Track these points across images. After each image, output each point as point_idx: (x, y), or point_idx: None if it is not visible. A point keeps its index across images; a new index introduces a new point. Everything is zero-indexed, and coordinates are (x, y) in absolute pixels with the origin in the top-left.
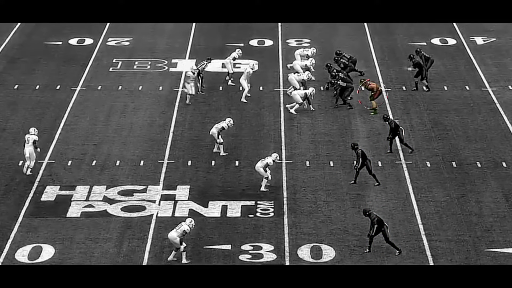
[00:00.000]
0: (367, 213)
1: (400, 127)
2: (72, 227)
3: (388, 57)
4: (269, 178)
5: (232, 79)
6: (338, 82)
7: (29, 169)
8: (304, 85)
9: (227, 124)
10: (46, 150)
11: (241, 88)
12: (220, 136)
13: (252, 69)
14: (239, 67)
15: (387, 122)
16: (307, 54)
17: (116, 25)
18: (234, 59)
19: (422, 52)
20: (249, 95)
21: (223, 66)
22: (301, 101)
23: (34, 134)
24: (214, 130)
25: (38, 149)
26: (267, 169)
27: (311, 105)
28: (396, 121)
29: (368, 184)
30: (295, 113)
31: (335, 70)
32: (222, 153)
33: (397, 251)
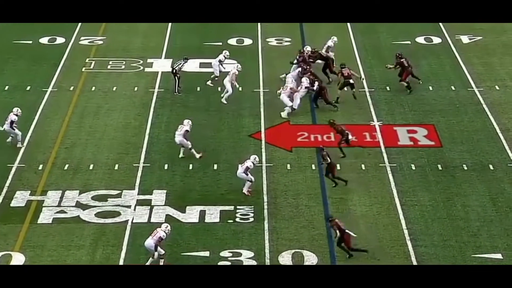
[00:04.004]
0: (329, 220)
1: (346, 131)
2: (43, 233)
3: (371, 57)
4: (253, 180)
5: (216, 79)
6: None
7: (19, 143)
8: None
9: (189, 126)
10: (16, 154)
11: (220, 89)
12: (187, 140)
13: (238, 70)
14: (224, 68)
15: (333, 128)
16: (329, 45)
17: (88, 23)
18: (220, 62)
19: (404, 58)
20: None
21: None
22: (290, 103)
23: (16, 114)
24: (179, 138)
25: (16, 130)
26: (248, 172)
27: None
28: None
29: (350, 188)
30: (287, 117)
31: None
32: (197, 155)
33: (348, 255)
